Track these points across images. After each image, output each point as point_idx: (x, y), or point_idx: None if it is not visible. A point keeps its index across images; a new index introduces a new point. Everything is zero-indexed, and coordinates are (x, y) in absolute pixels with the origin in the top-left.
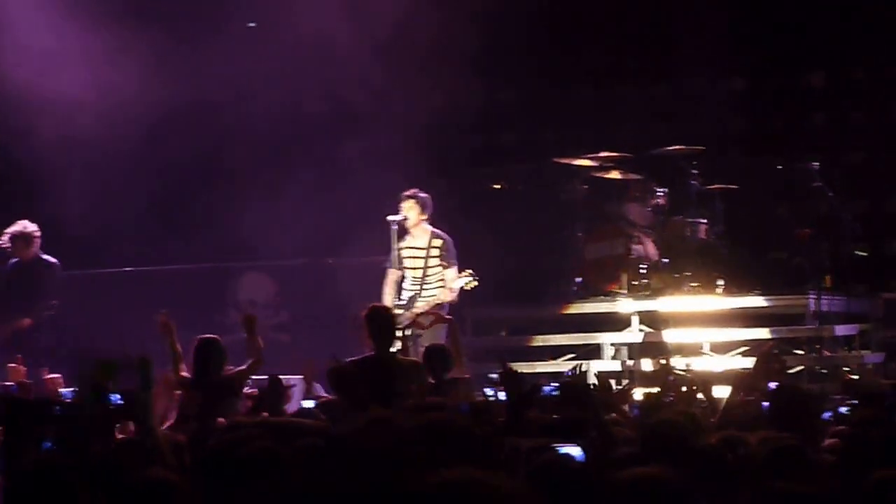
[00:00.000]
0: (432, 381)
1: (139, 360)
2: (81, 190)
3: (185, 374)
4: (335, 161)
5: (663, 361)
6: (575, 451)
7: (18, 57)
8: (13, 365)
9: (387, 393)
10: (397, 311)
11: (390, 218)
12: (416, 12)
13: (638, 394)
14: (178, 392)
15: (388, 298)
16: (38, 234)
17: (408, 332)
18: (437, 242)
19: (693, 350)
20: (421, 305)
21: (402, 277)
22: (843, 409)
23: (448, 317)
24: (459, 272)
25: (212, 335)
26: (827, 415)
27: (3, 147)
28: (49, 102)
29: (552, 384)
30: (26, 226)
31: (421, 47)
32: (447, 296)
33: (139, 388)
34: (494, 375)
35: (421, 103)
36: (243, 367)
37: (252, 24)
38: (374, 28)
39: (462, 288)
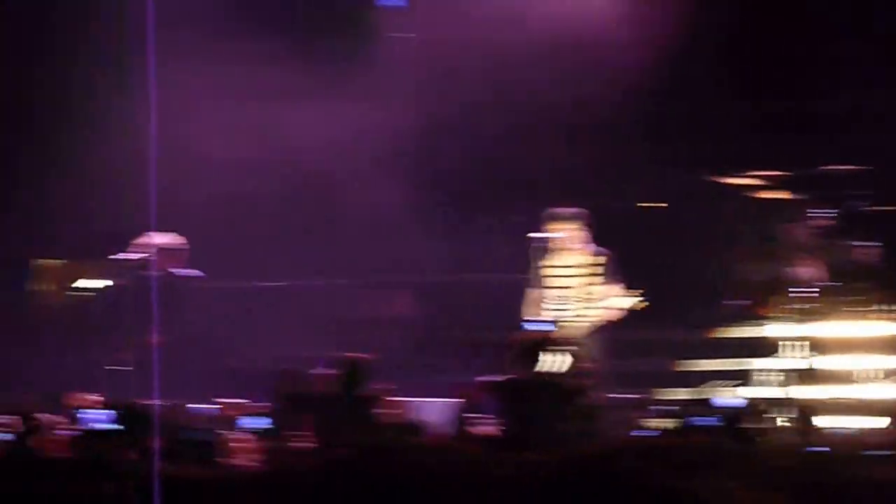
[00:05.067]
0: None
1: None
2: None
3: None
4: (492, 177)
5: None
6: None
7: None
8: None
9: (534, 416)
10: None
11: (538, 235)
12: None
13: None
14: None
15: (533, 317)
16: (186, 247)
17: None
18: (600, 259)
19: (856, 378)
20: (582, 325)
21: (550, 296)
22: None
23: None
24: (626, 291)
25: (358, 354)
26: None
27: None
28: None
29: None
30: (173, 238)
31: (579, 57)
32: (612, 314)
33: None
34: None
35: (578, 114)
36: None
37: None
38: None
39: (630, 307)
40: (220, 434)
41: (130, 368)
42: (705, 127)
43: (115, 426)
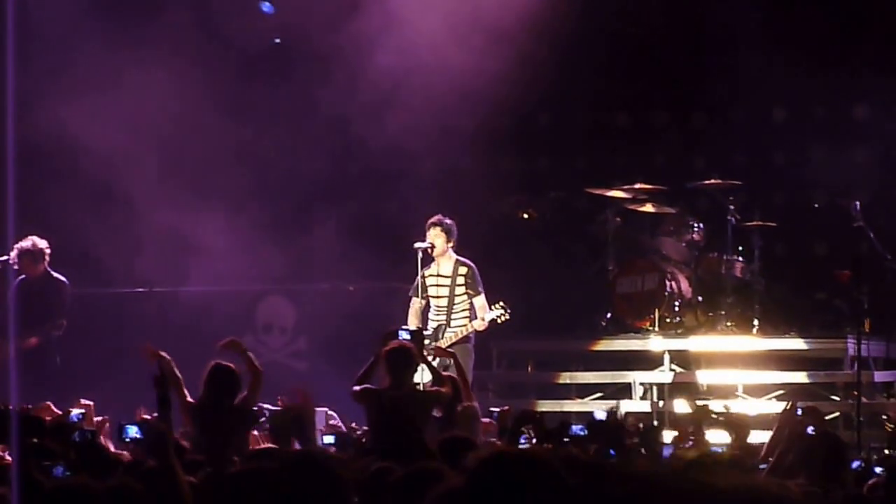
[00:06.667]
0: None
1: (157, 378)
2: (105, 207)
3: (189, 399)
4: (361, 185)
5: (700, 403)
6: None
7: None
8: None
9: (403, 427)
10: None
11: (417, 245)
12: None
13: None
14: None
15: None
16: (48, 250)
17: (436, 363)
18: (463, 270)
19: (726, 392)
20: (450, 336)
21: (427, 306)
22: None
23: (449, 350)
24: (490, 304)
25: (226, 363)
26: (856, 464)
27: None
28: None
29: (580, 424)
30: (35, 242)
31: (454, 69)
32: (477, 325)
33: (158, 415)
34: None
35: (452, 126)
36: (245, 392)
37: (277, 40)
38: (409, 50)
39: (493, 320)
40: (96, 439)
41: None
42: (582, 139)
43: None
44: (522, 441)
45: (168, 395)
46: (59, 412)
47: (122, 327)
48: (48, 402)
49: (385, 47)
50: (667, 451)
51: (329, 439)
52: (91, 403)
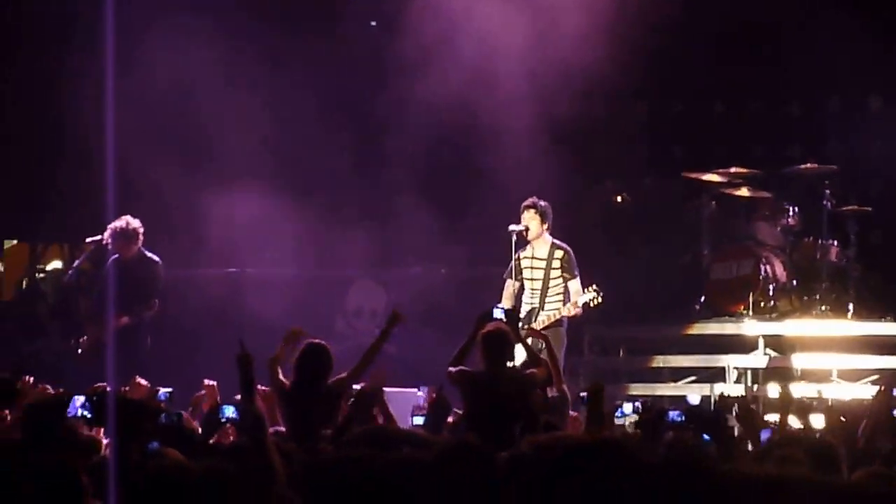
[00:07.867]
0: None
1: (240, 357)
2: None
3: (282, 379)
4: (455, 168)
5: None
6: None
7: None
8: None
9: (496, 414)
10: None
11: (512, 227)
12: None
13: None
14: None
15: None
16: (142, 230)
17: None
18: (559, 254)
19: (821, 377)
20: (542, 319)
21: (521, 288)
22: None
23: (543, 332)
24: (584, 287)
25: (320, 341)
26: None
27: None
28: None
29: (677, 409)
30: (129, 221)
31: (550, 56)
32: (571, 310)
33: (243, 393)
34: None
35: (548, 114)
36: (344, 374)
37: (374, 23)
38: (504, 37)
39: (587, 304)
40: (192, 420)
41: (83, 352)
42: (679, 126)
43: (85, 413)
44: (620, 418)
45: (252, 375)
46: (148, 386)
47: (212, 309)
48: (136, 378)
49: (482, 35)
50: (765, 435)
51: (419, 420)
52: (214, 383)
